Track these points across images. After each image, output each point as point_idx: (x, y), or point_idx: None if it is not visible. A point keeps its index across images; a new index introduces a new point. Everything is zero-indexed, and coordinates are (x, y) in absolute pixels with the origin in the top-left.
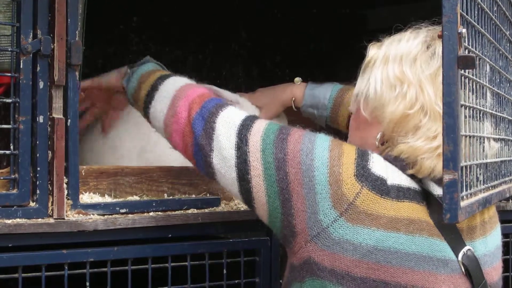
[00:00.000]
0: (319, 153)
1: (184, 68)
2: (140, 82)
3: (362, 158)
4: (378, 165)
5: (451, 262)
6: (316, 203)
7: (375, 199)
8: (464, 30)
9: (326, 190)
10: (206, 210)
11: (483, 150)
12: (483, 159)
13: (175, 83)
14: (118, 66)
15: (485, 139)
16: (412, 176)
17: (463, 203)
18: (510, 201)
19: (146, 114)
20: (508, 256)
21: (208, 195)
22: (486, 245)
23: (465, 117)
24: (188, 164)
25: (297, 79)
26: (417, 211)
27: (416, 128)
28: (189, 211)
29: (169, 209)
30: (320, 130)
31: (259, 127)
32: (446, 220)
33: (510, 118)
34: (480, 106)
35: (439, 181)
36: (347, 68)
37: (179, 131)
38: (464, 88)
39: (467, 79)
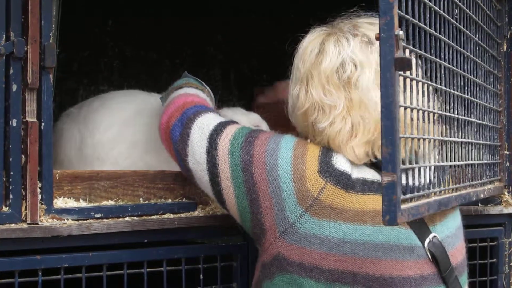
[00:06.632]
0: (283, 152)
1: (161, 72)
2: (165, 95)
3: (325, 155)
4: (342, 160)
5: (417, 249)
6: (282, 200)
7: (339, 193)
8: (401, 32)
9: (291, 187)
10: (183, 215)
11: (439, 153)
12: (437, 162)
13: (178, 93)
14: (93, 70)
15: (442, 142)
16: (376, 168)
17: (405, 206)
18: (489, 205)
19: None
20: (485, 261)
21: (184, 199)
22: (448, 226)
23: (411, 119)
24: (164, 168)
25: None
26: None
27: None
28: (165, 216)
29: (144, 214)
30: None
31: (229, 132)
32: (385, 222)
33: (478, 121)
34: (432, 109)
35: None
36: None
37: (163, 137)
38: (411, 91)
39: (414, 80)
